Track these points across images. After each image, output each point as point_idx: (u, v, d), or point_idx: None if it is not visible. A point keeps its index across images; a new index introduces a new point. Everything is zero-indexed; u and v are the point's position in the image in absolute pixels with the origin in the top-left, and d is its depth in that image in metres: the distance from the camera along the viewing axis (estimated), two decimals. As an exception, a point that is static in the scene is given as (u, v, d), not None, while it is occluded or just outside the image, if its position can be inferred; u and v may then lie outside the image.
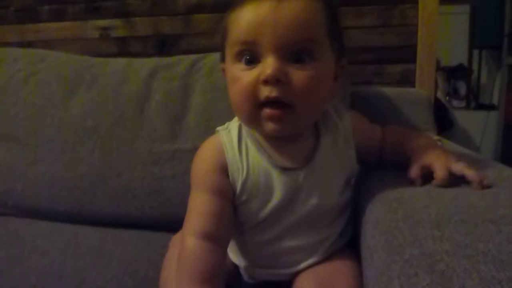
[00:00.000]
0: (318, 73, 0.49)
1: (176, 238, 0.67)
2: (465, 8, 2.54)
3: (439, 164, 0.48)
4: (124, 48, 1.22)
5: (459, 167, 0.47)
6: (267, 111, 0.49)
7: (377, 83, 1.08)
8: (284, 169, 0.53)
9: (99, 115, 0.88)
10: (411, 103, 0.94)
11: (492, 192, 0.44)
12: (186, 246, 0.51)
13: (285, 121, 0.49)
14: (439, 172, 0.48)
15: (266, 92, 0.47)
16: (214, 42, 1.17)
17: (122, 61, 0.96)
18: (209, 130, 0.83)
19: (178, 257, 0.52)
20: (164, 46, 1.19)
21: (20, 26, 1.28)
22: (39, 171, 0.87)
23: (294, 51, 0.48)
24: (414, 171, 0.51)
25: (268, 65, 0.47)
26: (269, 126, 0.50)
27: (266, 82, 0.47)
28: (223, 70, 0.57)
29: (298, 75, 0.47)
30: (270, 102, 0.48)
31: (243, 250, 0.60)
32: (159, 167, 0.82)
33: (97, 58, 0.99)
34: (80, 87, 0.92)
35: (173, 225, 0.82)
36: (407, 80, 1.08)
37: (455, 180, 0.47)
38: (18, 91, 0.93)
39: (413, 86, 1.07)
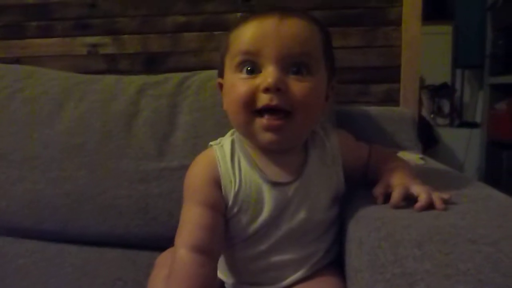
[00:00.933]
0: (314, 86, 0.52)
1: (161, 258, 0.67)
2: (448, 28, 2.61)
3: (400, 186, 0.50)
4: (112, 65, 1.22)
5: (417, 190, 0.48)
6: (263, 121, 0.50)
7: (362, 102, 1.10)
8: (274, 184, 0.55)
9: (86, 132, 0.87)
10: (395, 121, 0.96)
11: (472, 212, 0.46)
12: (178, 259, 0.51)
13: (284, 132, 0.51)
14: (394, 194, 0.50)
15: (265, 100, 0.49)
16: (202, 60, 1.19)
17: (110, 78, 0.96)
18: (197, 149, 0.83)
19: (170, 270, 0.52)
20: (152, 63, 1.20)
21: (7, 42, 1.27)
22: (24, 189, 0.86)
23: (294, 63, 0.50)
24: (377, 189, 0.53)
25: (269, 74, 0.49)
26: (267, 136, 0.51)
27: (267, 90, 0.49)
28: (219, 84, 0.59)
29: (297, 85, 0.50)
30: (268, 110, 0.50)
31: (231, 266, 0.60)
32: (146, 185, 0.82)
33: (85, 75, 1.00)
34: (67, 104, 0.91)
35: (159, 243, 0.82)
36: (391, 99, 1.11)
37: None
38: (4, 107, 0.93)
39: (397, 105, 1.10)
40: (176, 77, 0.93)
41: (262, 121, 0.50)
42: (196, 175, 0.57)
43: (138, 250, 0.83)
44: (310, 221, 0.56)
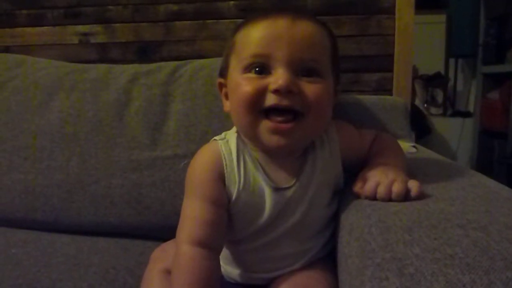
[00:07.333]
0: (325, 87, 0.51)
1: (156, 252, 0.67)
2: (442, 18, 2.61)
3: (372, 180, 0.51)
4: (104, 54, 1.21)
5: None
6: (270, 123, 0.49)
7: (355, 91, 1.10)
8: (276, 189, 0.54)
9: (77, 122, 0.87)
10: (388, 110, 0.95)
11: (461, 198, 0.46)
12: (183, 253, 0.51)
13: (293, 135, 0.49)
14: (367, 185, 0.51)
15: (273, 100, 0.48)
16: (195, 49, 1.18)
17: (102, 67, 0.95)
18: (189, 138, 0.83)
19: (173, 265, 0.52)
20: (144, 52, 1.18)
21: (-4, 31, 1.25)
22: (14, 179, 0.86)
23: (304, 68, 0.50)
24: (356, 186, 0.53)
25: (281, 75, 0.48)
26: (274, 139, 0.50)
27: (276, 91, 0.48)
28: (220, 84, 0.57)
29: (309, 86, 0.49)
30: (275, 110, 0.49)
31: (227, 255, 0.61)
32: (138, 174, 0.82)
33: (76, 64, 0.99)
34: (58, 93, 0.91)
35: (152, 232, 0.82)
36: (384, 88, 1.10)
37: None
38: (-7, 97, 0.92)
39: (390, 94, 1.10)
40: (168, 66, 0.92)
41: (269, 123, 0.49)
42: (200, 169, 0.56)
43: (131, 239, 0.83)
44: (307, 220, 0.55)
